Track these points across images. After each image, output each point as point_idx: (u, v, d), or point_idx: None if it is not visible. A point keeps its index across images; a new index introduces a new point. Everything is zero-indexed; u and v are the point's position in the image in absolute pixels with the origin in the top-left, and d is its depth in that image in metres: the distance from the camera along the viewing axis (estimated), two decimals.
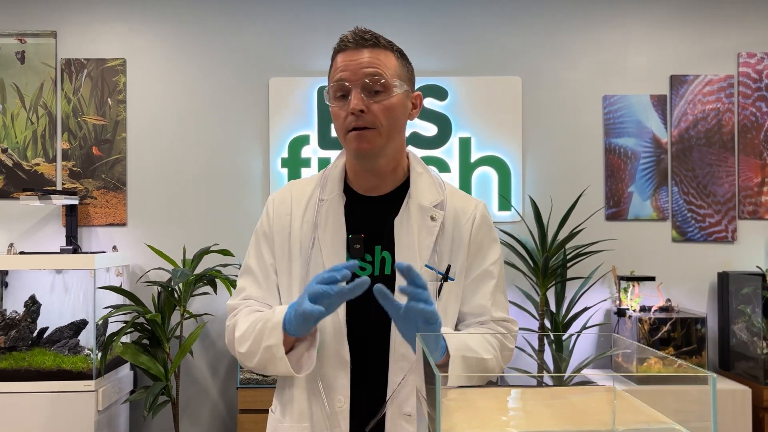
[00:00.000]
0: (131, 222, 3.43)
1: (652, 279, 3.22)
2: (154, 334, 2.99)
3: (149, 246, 3.16)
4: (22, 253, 3.27)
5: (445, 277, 1.27)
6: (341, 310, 1.28)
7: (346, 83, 1.26)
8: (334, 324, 1.28)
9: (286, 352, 1.23)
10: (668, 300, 3.27)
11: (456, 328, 1.36)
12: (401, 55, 1.33)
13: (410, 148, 1.46)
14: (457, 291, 1.31)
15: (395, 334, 1.27)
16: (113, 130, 3.45)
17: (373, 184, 1.36)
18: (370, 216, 1.34)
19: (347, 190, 1.37)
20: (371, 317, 1.28)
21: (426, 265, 1.28)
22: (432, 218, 1.32)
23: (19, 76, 3.44)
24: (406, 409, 1.26)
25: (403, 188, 1.36)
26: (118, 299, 3.21)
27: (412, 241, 1.29)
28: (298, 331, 1.20)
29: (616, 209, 3.44)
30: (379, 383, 1.28)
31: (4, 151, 3.43)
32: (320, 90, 3.41)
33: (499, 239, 1.41)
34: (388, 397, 1.26)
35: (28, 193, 3.12)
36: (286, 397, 1.34)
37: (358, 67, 1.25)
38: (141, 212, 3.44)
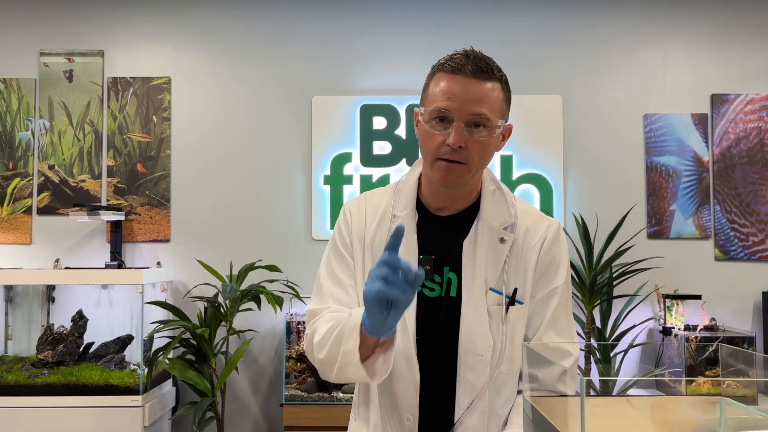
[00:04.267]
0: (174, 238, 3.46)
1: (698, 297, 3.20)
2: (200, 349, 2.99)
3: (200, 262, 3.17)
4: (67, 268, 3.30)
5: (512, 300, 1.25)
6: (411, 330, 1.27)
7: (450, 112, 1.21)
8: (404, 343, 1.28)
9: (366, 357, 1.19)
10: (713, 319, 3.25)
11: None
12: (507, 86, 1.27)
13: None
14: (523, 314, 1.29)
15: (463, 359, 1.26)
16: (158, 147, 3.49)
17: (447, 204, 1.34)
18: (441, 236, 1.33)
19: (419, 205, 1.36)
20: (440, 340, 1.29)
21: (491, 289, 1.26)
22: (501, 240, 1.29)
23: (67, 94, 3.50)
24: None
25: (475, 207, 1.34)
26: (161, 315, 3.22)
27: (480, 264, 1.27)
28: (376, 327, 1.12)
29: (659, 227, 3.43)
30: (446, 405, 1.28)
31: (51, 167, 3.48)
32: (363, 108, 3.44)
33: (569, 262, 1.36)
34: (456, 420, 1.27)
35: (77, 208, 3.16)
36: (363, 409, 1.35)
37: (466, 100, 1.19)
38: (184, 228, 3.47)
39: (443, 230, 1.33)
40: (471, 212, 1.34)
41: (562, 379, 1.19)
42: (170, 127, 3.50)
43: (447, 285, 1.29)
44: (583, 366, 3.10)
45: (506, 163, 3.42)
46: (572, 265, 3.09)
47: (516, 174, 3.42)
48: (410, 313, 1.27)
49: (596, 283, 3.01)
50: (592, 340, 3.08)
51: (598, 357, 3.07)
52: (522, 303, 1.27)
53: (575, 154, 3.47)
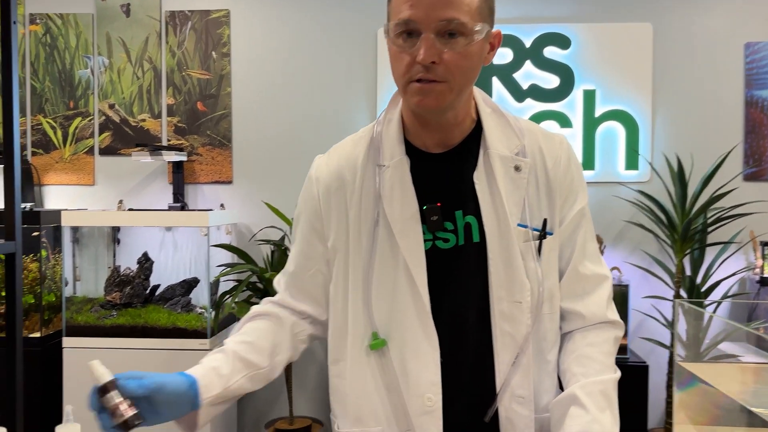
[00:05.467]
0: (237, 179, 3.36)
1: None
2: (267, 293, 2.91)
3: (267, 205, 3.06)
4: (131, 209, 3.25)
5: (543, 233, 1.11)
6: (424, 295, 1.08)
7: (415, 22, 1.00)
8: (418, 310, 1.09)
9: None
10: None
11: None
12: None
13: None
14: (555, 245, 1.14)
15: (497, 310, 1.09)
16: (218, 84, 3.35)
17: (439, 138, 1.13)
18: (444, 177, 1.13)
19: (409, 148, 1.14)
20: (462, 296, 1.11)
21: (518, 224, 1.10)
22: (517, 168, 1.12)
23: (125, 30, 3.37)
24: (519, 392, 1.09)
25: (474, 137, 1.15)
26: (226, 257, 3.16)
27: (500, 199, 1.10)
28: None
29: (757, 168, 3.13)
30: (482, 372, 1.11)
31: (111, 106, 3.39)
32: None
33: (585, 180, 1.21)
34: (499, 387, 1.09)
35: (139, 148, 3.07)
36: (354, 397, 1.15)
37: (432, 4, 0.99)
38: (246, 169, 3.35)
39: (445, 170, 1.13)
40: (472, 143, 1.14)
41: (609, 306, 1.15)
42: (230, 63, 3.34)
43: (466, 231, 1.11)
44: (669, 318, 2.89)
45: (588, 98, 3.16)
46: (663, 211, 2.86)
47: (599, 110, 3.15)
48: (419, 275, 1.09)
49: (690, 229, 2.77)
50: (682, 291, 2.86)
51: (686, 309, 2.85)
52: (552, 234, 1.13)
53: (665, 88, 3.17)
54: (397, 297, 1.11)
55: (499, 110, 1.18)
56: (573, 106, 3.17)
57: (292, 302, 1.22)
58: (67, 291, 3.05)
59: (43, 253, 3.01)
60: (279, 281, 1.26)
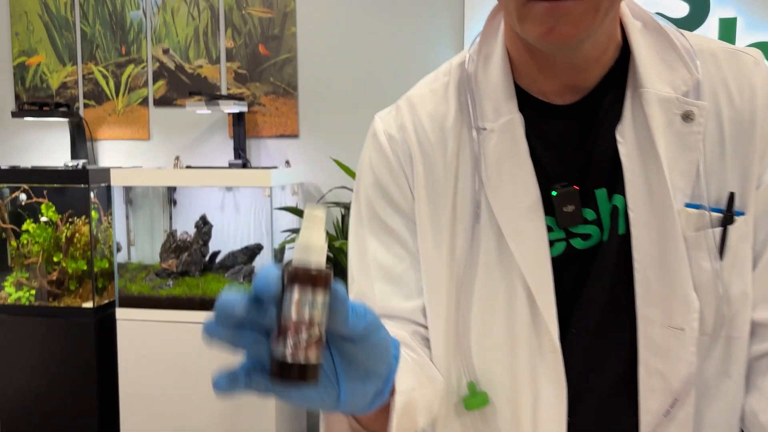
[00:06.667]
0: (304, 133, 2.97)
1: None
2: (338, 262, 2.55)
3: (337, 162, 2.67)
4: (188, 167, 2.93)
5: (729, 214, 0.70)
6: (548, 313, 0.71)
7: None
8: (539, 342, 0.72)
9: None
10: None
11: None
12: None
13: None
14: (748, 231, 0.72)
15: (644, 338, 0.71)
16: (281, 24, 2.94)
17: (567, 83, 0.73)
18: (576, 141, 0.73)
19: (521, 99, 0.74)
20: (591, 311, 0.73)
21: (687, 205, 0.70)
22: (686, 117, 0.69)
23: None
24: None
25: (619, 70, 0.73)
26: (292, 221, 2.80)
27: (657, 168, 0.69)
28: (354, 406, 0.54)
29: None
30: (619, 423, 0.75)
31: (166, 51, 3.05)
32: None
33: None
34: None
35: (195, 98, 2.72)
36: None
37: None
38: (314, 122, 2.96)
39: (578, 129, 0.73)
40: (615, 81, 0.73)
41: None
42: None
43: (612, 219, 0.72)
44: None
45: (727, 28, 2.58)
46: None
47: (741, 43, 2.58)
48: (543, 294, 0.71)
49: None
50: None
51: None
52: (743, 214, 0.71)
53: None
54: (508, 328, 0.73)
55: (656, 23, 0.73)
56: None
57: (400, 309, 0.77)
58: (121, 257, 2.78)
59: (94, 214, 2.73)
60: (367, 291, 0.78)
